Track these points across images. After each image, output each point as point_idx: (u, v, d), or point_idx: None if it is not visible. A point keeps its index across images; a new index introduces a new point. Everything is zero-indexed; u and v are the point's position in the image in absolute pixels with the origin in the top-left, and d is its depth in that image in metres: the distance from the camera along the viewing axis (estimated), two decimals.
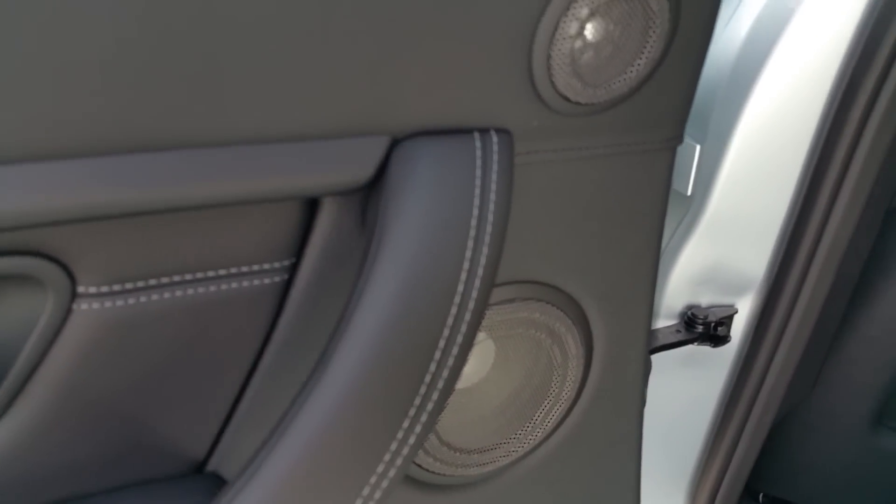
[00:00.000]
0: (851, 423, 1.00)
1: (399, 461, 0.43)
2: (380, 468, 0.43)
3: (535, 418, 0.61)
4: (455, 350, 0.44)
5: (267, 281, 0.46)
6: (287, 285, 0.47)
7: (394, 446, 0.43)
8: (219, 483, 0.52)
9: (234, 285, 0.44)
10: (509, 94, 0.43)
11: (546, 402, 0.61)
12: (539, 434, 0.62)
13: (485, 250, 0.42)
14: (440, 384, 0.44)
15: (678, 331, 0.81)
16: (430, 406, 0.44)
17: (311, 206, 0.44)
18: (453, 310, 0.43)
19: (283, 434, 0.41)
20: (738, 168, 0.74)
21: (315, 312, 0.49)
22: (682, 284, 0.80)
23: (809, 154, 0.73)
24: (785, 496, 1.11)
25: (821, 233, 0.74)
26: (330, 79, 0.37)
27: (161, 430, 0.49)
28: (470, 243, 0.42)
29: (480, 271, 0.43)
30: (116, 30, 0.32)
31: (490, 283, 0.44)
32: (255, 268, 0.45)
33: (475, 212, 0.43)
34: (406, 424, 0.43)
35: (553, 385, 0.60)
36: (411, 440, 0.44)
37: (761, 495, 1.13)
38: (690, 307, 0.81)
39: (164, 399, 0.47)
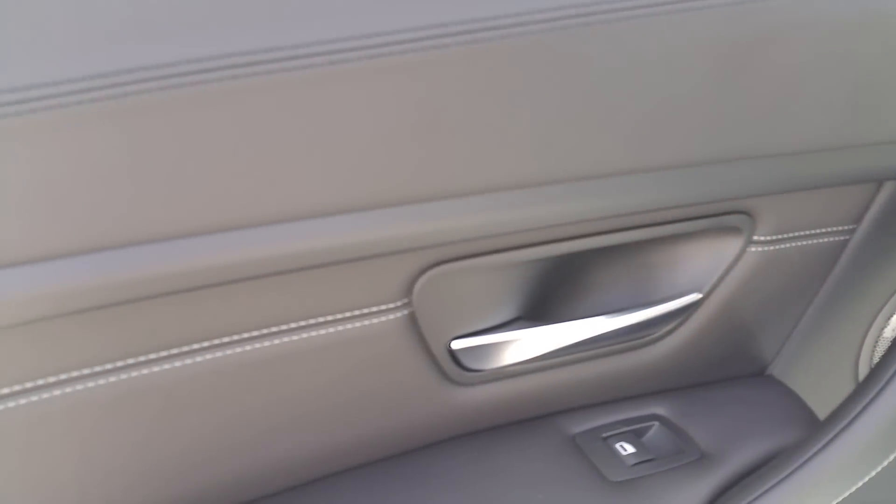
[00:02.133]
0: None
1: None
2: None
3: None
4: None
5: (834, 239, 0.63)
6: (844, 245, 0.65)
7: None
8: (774, 382, 0.71)
9: (814, 241, 0.62)
10: None
11: None
12: None
13: None
14: None
15: None
16: None
17: (876, 187, 0.62)
18: None
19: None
20: None
21: (857, 267, 0.66)
22: None
23: None
24: None
25: None
26: None
27: (747, 338, 0.68)
28: None
29: None
30: None
31: None
32: (830, 229, 0.62)
33: None
34: None
35: None
36: None
37: None
38: None
39: (762, 318, 0.66)
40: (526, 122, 0.43)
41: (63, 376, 0.43)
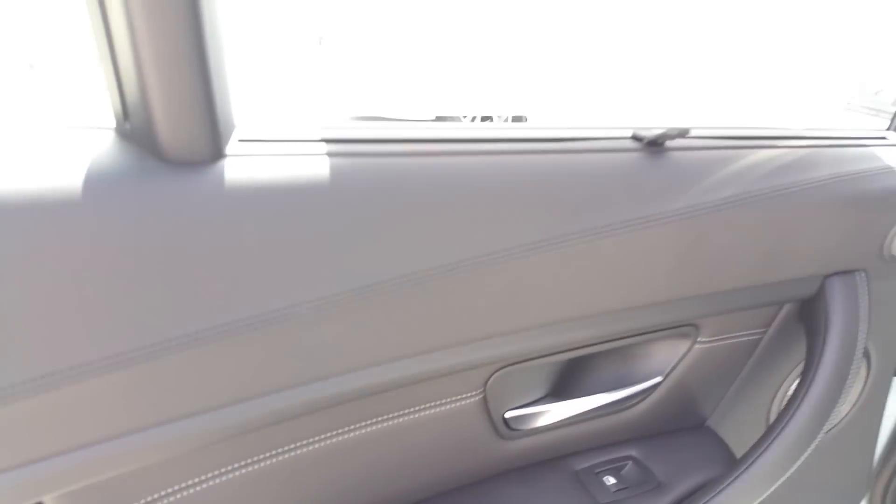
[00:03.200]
0: None
1: None
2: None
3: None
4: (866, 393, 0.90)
5: (753, 338, 0.94)
6: (759, 340, 0.96)
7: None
8: (710, 432, 0.99)
9: (739, 340, 0.94)
10: (871, 255, 0.90)
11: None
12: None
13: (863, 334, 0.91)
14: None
15: None
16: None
17: (779, 306, 0.93)
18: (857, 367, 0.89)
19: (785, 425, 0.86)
20: None
21: (768, 353, 1.00)
22: None
23: None
24: None
25: None
26: (818, 257, 0.87)
27: (691, 403, 1.00)
28: (862, 328, 0.90)
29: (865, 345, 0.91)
30: None
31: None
32: (751, 332, 0.92)
33: (862, 312, 0.89)
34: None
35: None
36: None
37: None
38: None
39: (703, 390, 0.97)
40: (574, 284, 0.72)
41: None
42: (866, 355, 1.06)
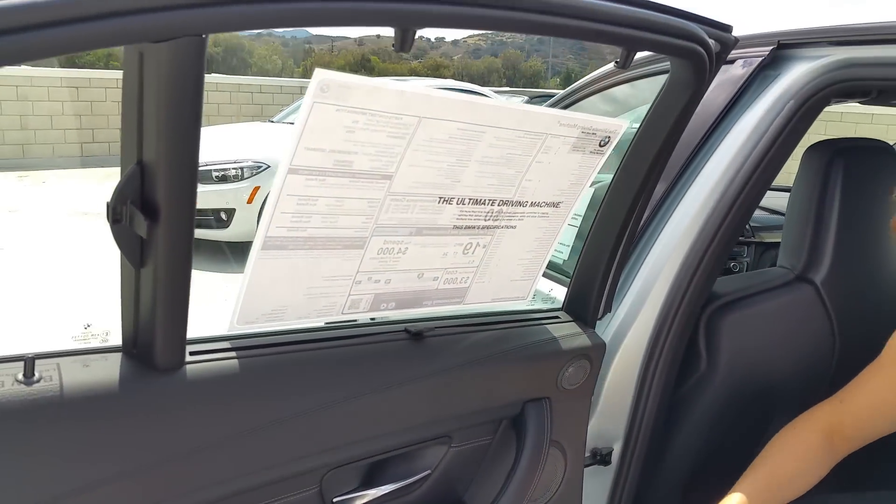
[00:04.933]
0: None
1: None
2: None
3: None
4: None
5: (485, 442, 1.49)
6: (491, 441, 1.51)
7: None
8: None
9: (473, 445, 1.47)
10: (551, 388, 1.51)
11: None
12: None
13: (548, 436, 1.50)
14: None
15: None
16: None
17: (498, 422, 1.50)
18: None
19: None
20: None
21: (495, 454, 1.53)
22: None
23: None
24: None
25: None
26: (518, 391, 1.45)
27: (452, 486, 1.49)
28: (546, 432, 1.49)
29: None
30: None
31: None
32: (484, 438, 1.49)
33: (546, 423, 1.49)
34: None
35: None
36: None
37: None
38: None
39: (462, 475, 1.48)
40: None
41: None
42: (560, 448, 1.66)
